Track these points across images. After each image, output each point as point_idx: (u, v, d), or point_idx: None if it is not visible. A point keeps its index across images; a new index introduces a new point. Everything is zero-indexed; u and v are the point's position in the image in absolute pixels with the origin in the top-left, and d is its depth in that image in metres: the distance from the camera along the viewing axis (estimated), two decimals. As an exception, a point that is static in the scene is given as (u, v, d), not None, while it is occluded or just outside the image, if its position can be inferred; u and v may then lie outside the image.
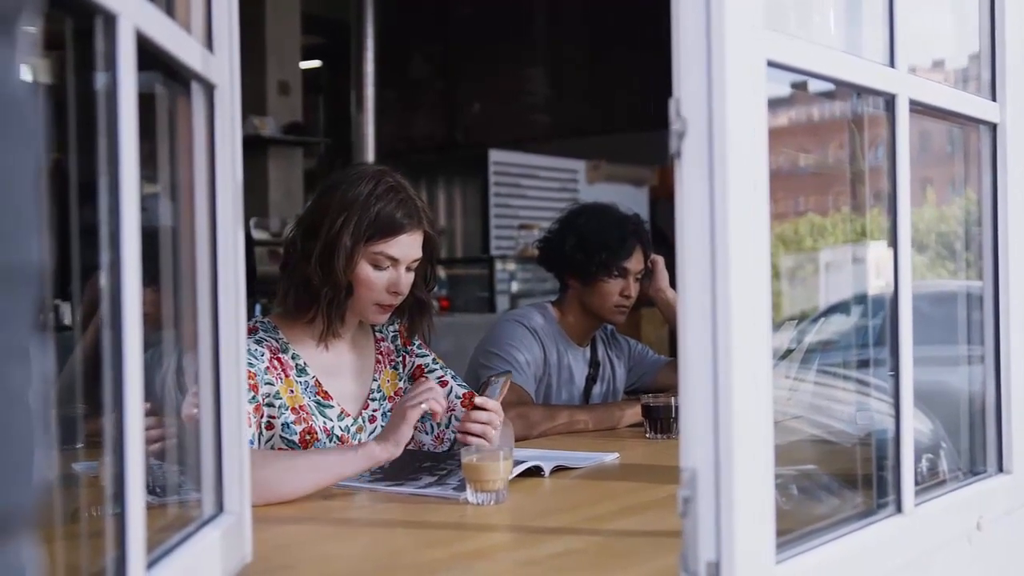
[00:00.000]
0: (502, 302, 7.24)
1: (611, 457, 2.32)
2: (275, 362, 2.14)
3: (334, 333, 2.22)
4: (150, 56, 1.10)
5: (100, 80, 1.01)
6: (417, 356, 2.39)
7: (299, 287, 2.17)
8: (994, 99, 1.78)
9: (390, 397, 2.33)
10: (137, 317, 1.01)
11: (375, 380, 2.32)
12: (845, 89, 1.59)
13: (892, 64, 1.49)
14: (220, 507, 1.36)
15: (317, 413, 2.18)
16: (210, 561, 1.26)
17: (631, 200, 6.44)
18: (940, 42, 2.01)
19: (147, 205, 1.09)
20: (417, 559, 1.53)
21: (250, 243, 4.01)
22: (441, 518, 1.77)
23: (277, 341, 2.18)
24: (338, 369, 2.26)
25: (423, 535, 1.68)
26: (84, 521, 1.31)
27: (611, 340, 3.19)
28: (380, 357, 2.35)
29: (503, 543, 1.67)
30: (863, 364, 1.93)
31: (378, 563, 1.55)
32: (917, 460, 1.59)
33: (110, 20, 0.98)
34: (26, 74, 0.59)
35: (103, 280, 1.02)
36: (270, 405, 2.10)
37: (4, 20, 0.57)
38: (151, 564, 1.08)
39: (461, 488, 1.88)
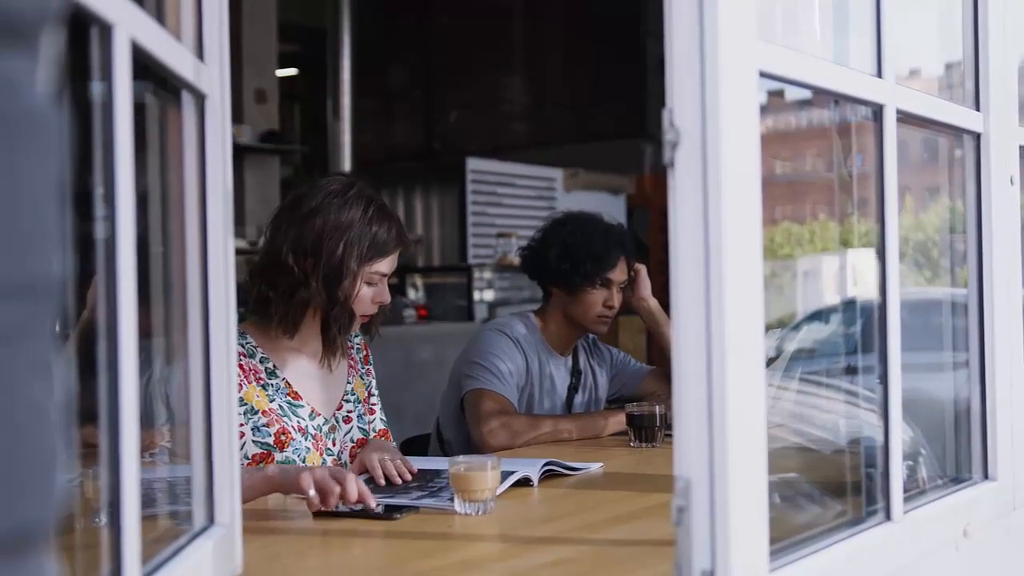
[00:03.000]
0: (480, 311, 7.22)
1: (596, 467, 2.32)
2: (238, 368, 2.16)
3: (343, 351, 2.33)
4: (142, 65, 1.09)
5: (94, 89, 1.00)
6: (372, 377, 2.49)
7: (299, 308, 2.22)
8: (977, 109, 1.80)
9: (363, 400, 2.41)
10: (132, 327, 1.00)
11: (349, 383, 2.39)
12: (824, 97, 1.60)
13: (879, 74, 1.50)
14: (211, 519, 1.35)
15: (290, 413, 2.22)
16: (202, 573, 1.26)
17: (608, 208, 6.45)
18: (921, 50, 2.03)
19: (136, 215, 1.08)
20: (408, 570, 1.53)
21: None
22: (429, 528, 1.76)
23: (243, 346, 2.21)
24: (311, 372, 2.31)
25: (412, 546, 1.68)
26: (74, 533, 1.30)
27: (593, 349, 3.19)
28: (352, 362, 2.42)
29: (494, 553, 1.66)
30: (845, 372, 1.94)
31: (369, 575, 1.54)
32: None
33: (106, 30, 0.98)
34: (48, 86, 0.59)
35: (93, 290, 1.01)
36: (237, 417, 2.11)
37: (26, 34, 0.57)
38: (145, 577, 1.07)
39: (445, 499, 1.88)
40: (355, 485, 1.82)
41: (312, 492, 1.80)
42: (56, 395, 0.57)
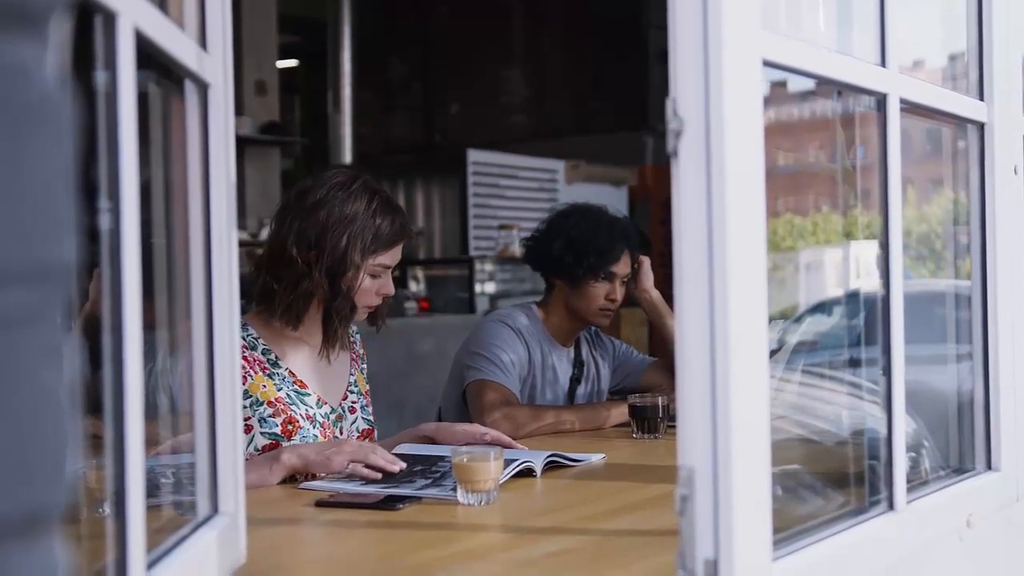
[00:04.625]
0: (481, 303, 7.22)
1: (598, 458, 2.32)
2: (242, 360, 2.17)
3: (343, 342, 2.35)
4: (145, 55, 1.09)
5: (98, 78, 1.00)
6: (366, 374, 2.51)
7: (303, 299, 2.24)
8: (982, 98, 1.79)
9: (365, 393, 2.43)
10: (137, 319, 1.00)
11: (351, 375, 2.41)
12: (827, 88, 1.60)
13: (883, 63, 1.50)
14: (215, 508, 1.35)
15: (297, 401, 2.24)
16: (207, 562, 1.26)
17: (610, 200, 6.43)
18: (925, 40, 2.03)
19: (139, 206, 1.08)
20: (411, 560, 1.53)
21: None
22: (432, 519, 1.77)
23: (245, 339, 2.22)
24: (315, 362, 2.33)
25: (415, 536, 1.68)
26: (78, 523, 1.30)
27: (595, 340, 3.19)
28: (354, 356, 2.45)
29: (497, 543, 1.67)
30: (848, 363, 1.94)
31: (372, 565, 1.54)
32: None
33: (110, 18, 0.97)
34: (58, 71, 0.59)
35: (96, 281, 1.01)
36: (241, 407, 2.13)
37: (36, 20, 0.57)
38: (150, 565, 1.07)
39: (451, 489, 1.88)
40: (384, 453, 2.03)
41: (350, 469, 2.00)
42: (66, 380, 0.57)
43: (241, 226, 7.04)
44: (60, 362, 0.57)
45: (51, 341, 0.57)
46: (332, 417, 2.30)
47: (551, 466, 2.17)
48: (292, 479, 2.05)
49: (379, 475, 2.00)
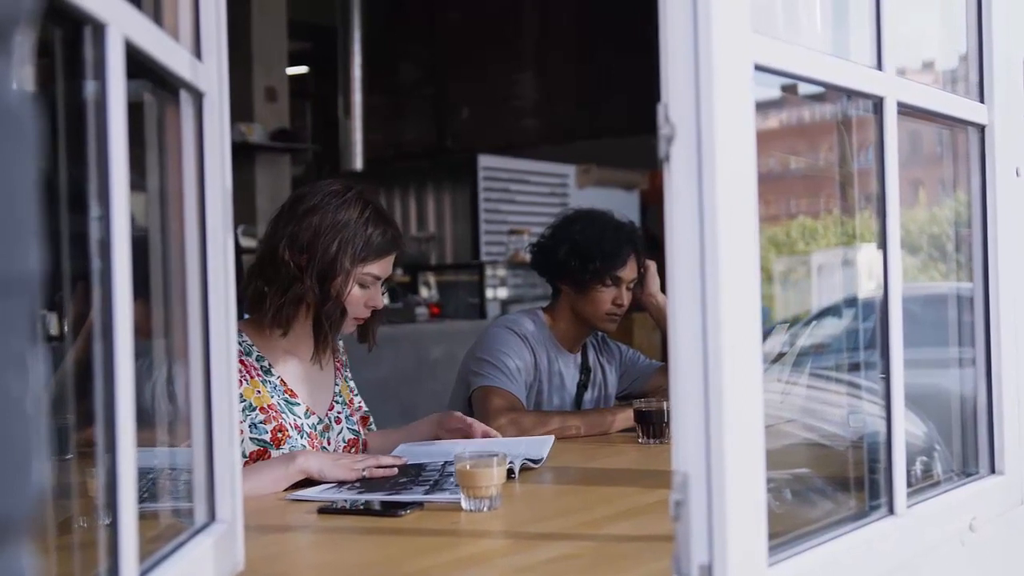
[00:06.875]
0: (492, 308, 7.22)
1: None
2: (238, 364, 2.19)
3: (333, 349, 2.35)
4: (138, 64, 1.10)
5: (89, 88, 1.01)
6: (351, 379, 2.53)
7: (292, 304, 2.25)
8: (982, 101, 1.79)
9: (348, 403, 2.45)
10: (128, 327, 1.01)
11: (336, 385, 2.43)
12: (834, 92, 1.59)
13: (880, 67, 1.50)
14: (212, 516, 1.35)
15: (287, 411, 2.26)
16: (203, 570, 1.26)
17: (621, 204, 6.44)
18: (928, 43, 2.02)
19: (135, 214, 1.09)
20: (412, 566, 1.53)
21: (238, 251, 4.11)
22: (434, 525, 1.77)
23: (240, 344, 2.23)
24: (303, 373, 2.35)
25: (417, 542, 1.68)
26: (75, 531, 1.31)
27: (602, 346, 3.19)
28: (338, 366, 2.47)
29: (498, 549, 1.66)
30: (855, 367, 1.93)
31: (372, 571, 1.54)
32: (911, 463, 1.59)
33: (99, 29, 0.98)
34: (22, 84, 0.59)
35: (94, 290, 1.01)
36: (238, 414, 2.14)
37: (1, 31, 0.57)
38: (143, 573, 1.08)
39: (458, 491, 1.87)
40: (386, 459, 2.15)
41: (367, 473, 2.08)
42: (32, 389, 0.58)
43: (251, 233, 7.04)
44: (26, 372, 0.58)
45: (16, 350, 0.57)
46: (319, 428, 2.32)
47: (526, 464, 2.21)
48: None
49: (395, 470, 2.11)
